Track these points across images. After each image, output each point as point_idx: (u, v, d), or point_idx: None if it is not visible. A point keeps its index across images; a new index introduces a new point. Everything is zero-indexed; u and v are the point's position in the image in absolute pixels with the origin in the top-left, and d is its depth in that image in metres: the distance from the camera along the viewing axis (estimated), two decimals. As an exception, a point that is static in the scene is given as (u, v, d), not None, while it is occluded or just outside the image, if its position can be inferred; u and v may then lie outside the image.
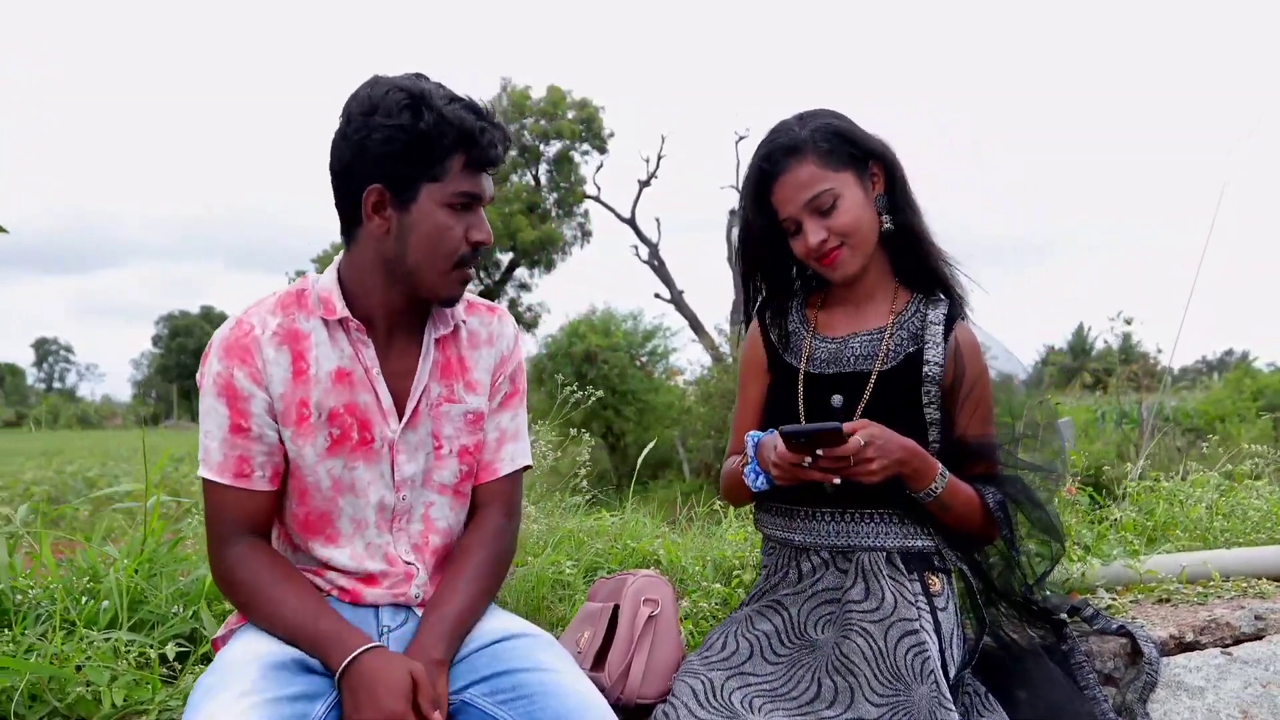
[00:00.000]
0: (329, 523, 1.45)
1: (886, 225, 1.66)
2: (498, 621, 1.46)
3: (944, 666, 1.52)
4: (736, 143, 21.17)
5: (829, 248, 1.61)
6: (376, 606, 1.48)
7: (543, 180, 24.72)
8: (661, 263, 22.60)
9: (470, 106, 1.40)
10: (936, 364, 1.62)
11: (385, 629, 1.46)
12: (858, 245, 1.63)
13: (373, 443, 1.44)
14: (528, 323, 25.93)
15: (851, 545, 1.61)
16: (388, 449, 1.45)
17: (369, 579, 1.48)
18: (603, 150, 24.34)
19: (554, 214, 24.90)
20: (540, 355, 16.00)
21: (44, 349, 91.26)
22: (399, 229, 1.40)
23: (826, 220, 1.60)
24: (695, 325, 21.40)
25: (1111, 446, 9.44)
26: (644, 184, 22.66)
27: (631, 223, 23.03)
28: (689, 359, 22.27)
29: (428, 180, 1.38)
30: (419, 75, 1.42)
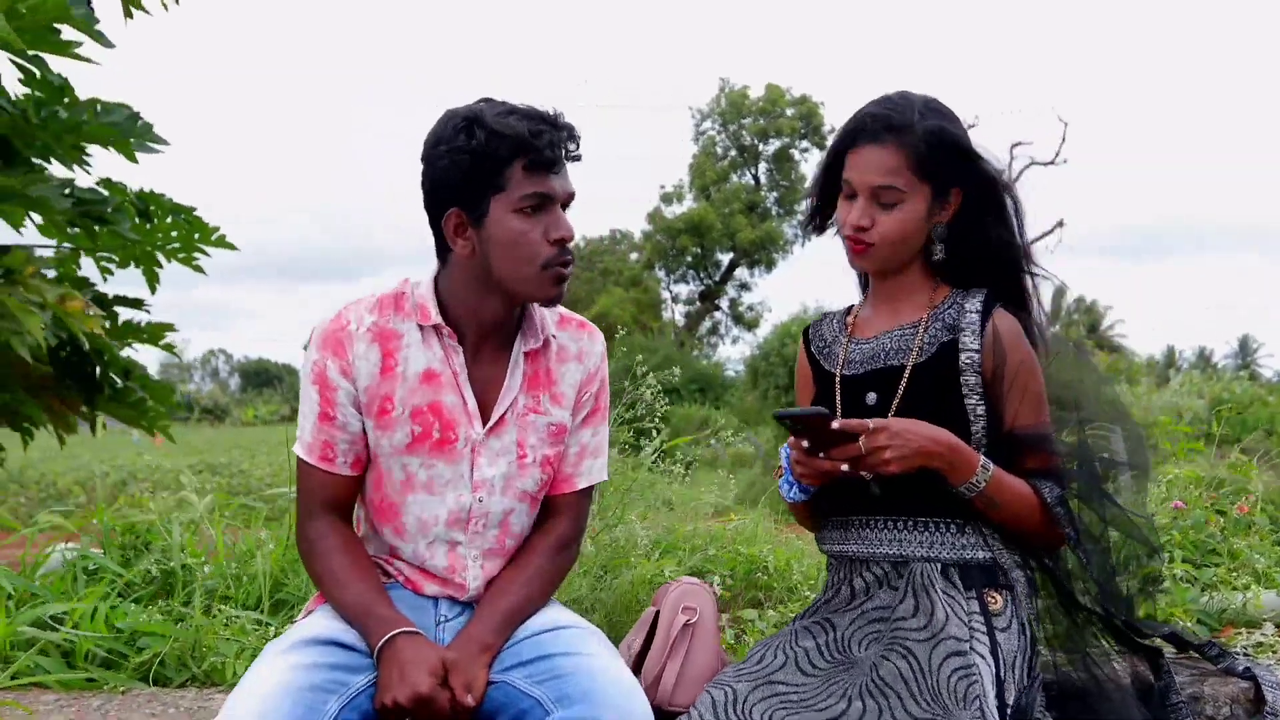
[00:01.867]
0: (396, 515, 1.55)
1: (938, 255, 1.59)
2: (548, 613, 1.53)
3: (1002, 693, 1.42)
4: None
5: (863, 237, 1.56)
6: (436, 599, 1.57)
7: (762, 179, 24.66)
8: (885, 258, 21.88)
9: (526, 114, 1.43)
10: (973, 351, 1.53)
11: (442, 618, 1.56)
12: (888, 253, 1.57)
13: (455, 442, 1.51)
14: (748, 322, 25.92)
15: (905, 555, 1.54)
16: (469, 450, 1.51)
17: (428, 574, 1.57)
18: (822, 146, 23.87)
19: (774, 213, 24.75)
20: (754, 357, 15.96)
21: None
22: (481, 245, 1.46)
23: (879, 211, 1.55)
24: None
25: None
26: (866, 178, 22.02)
27: (853, 219, 22.46)
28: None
29: (494, 193, 1.43)
30: (485, 99, 1.48)
